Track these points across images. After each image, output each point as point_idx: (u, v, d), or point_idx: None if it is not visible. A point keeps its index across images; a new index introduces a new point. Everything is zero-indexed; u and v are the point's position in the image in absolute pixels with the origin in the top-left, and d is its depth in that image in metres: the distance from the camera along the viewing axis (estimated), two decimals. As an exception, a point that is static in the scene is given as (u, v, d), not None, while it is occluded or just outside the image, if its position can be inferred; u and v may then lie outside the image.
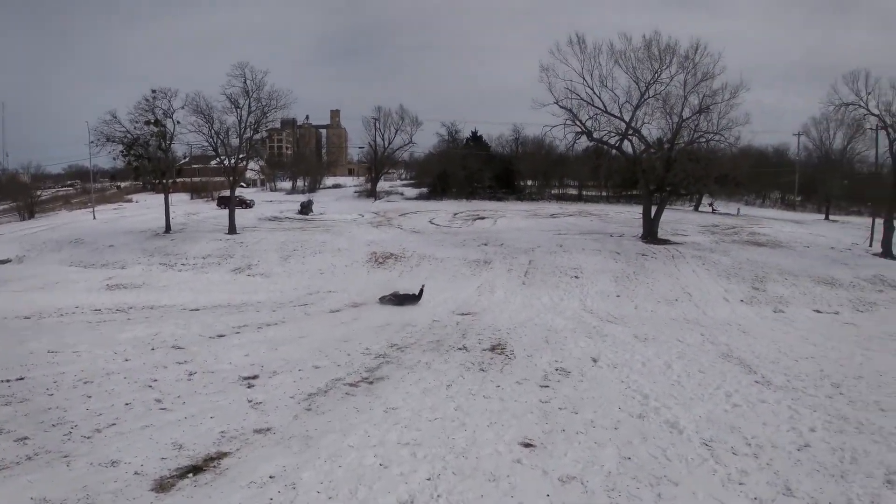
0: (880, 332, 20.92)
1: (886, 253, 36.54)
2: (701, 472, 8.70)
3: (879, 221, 39.67)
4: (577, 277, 29.49)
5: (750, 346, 17.70)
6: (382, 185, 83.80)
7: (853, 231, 47.71)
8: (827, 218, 63.19)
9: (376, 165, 79.93)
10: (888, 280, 29.71)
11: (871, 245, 39.95)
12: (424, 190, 78.67)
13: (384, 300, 24.11)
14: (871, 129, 43.59)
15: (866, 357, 16.68)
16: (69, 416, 9.95)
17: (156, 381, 12.30)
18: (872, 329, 21.47)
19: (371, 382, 12.86)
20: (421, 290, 24.73)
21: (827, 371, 14.73)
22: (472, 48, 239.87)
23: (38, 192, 74.41)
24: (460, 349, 16.34)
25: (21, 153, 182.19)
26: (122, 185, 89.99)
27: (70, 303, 22.52)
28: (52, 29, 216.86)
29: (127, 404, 10.70)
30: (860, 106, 38.81)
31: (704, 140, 39.78)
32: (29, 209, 63.01)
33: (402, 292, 24.75)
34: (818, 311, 24.81)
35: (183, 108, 42.15)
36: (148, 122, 42.34)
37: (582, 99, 40.02)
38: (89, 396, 11.10)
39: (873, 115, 38.80)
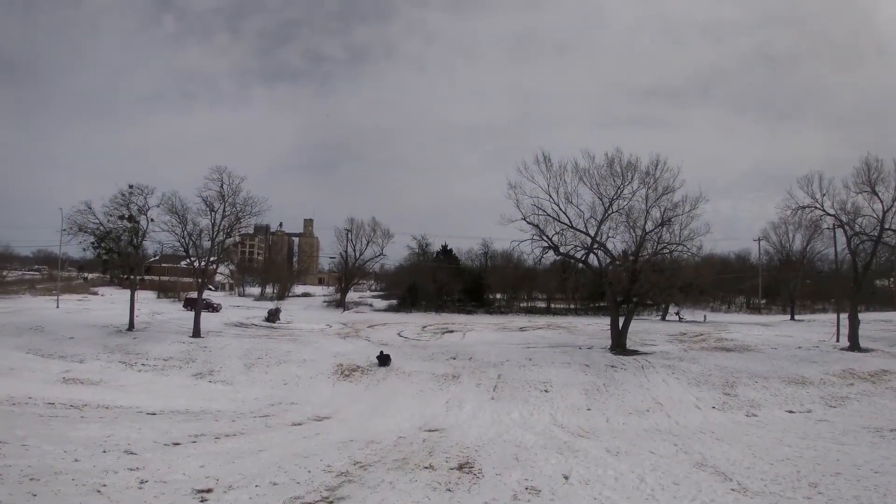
0: (854, 425, 21.00)
1: (854, 346, 37.09)
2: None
3: (844, 316, 40.32)
4: (546, 391, 29.07)
5: (724, 453, 17.42)
6: (352, 295, 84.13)
7: (819, 328, 48.49)
8: (792, 318, 64.40)
9: (346, 276, 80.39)
10: (858, 373, 30.06)
11: (837, 340, 40.54)
12: (394, 302, 79.17)
13: (379, 358, 35.00)
14: (828, 228, 45.37)
15: (842, 452, 16.64)
16: (12, 514, 9.26)
17: (105, 486, 11.60)
18: (846, 423, 21.60)
19: (331, 502, 12.20)
20: (388, 357, 35.15)
21: (804, 472, 14.56)
22: (444, 163, 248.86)
23: (4, 273, 73.10)
24: (426, 468, 15.69)
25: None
26: (90, 276, 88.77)
27: (24, 392, 21.86)
28: (33, 120, 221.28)
29: (74, 508, 10.02)
30: (816, 207, 40.60)
31: (668, 251, 41.15)
32: (-8, 289, 61.89)
33: (384, 354, 35.28)
34: (791, 412, 24.83)
35: (158, 206, 42.45)
36: (122, 217, 42.42)
37: (548, 215, 41.27)
38: (34, 495, 10.44)
39: (829, 214, 40.63)
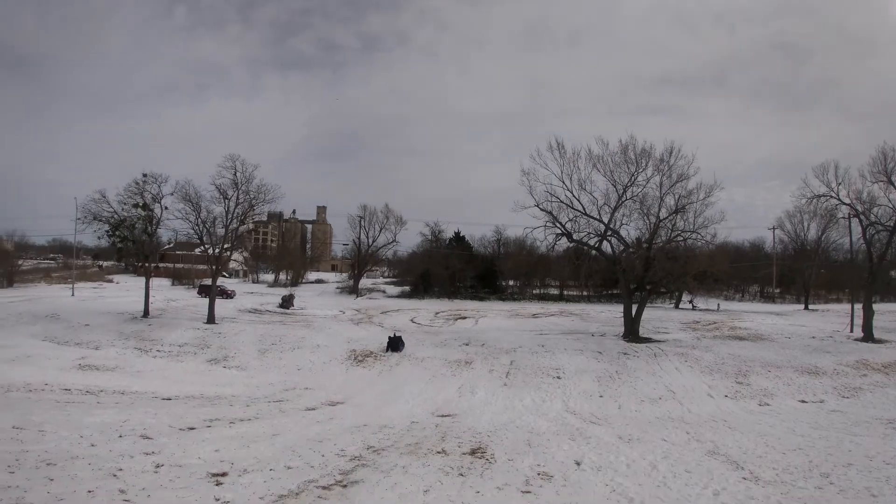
0: (867, 416, 20.86)
1: (868, 337, 36.86)
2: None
3: (858, 307, 40.05)
4: (559, 378, 29.09)
5: (737, 442, 17.33)
6: (365, 282, 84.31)
7: (833, 318, 48.11)
8: (806, 308, 64.00)
9: (359, 262, 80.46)
10: (871, 364, 29.84)
11: (851, 331, 40.26)
12: (407, 288, 79.30)
13: (390, 341, 34.99)
14: (843, 217, 44.96)
15: (854, 443, 16.52)
16: (28, 498, 9.37)
17: (121, 470, 11.66)
18: (859, 414, 21.44)
19: (345, 486, 12.21)
20: (398, 340, 35.09)
21: (816, 461, 14.47)
22: (455, 152, 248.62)
23: (20, 262, 73.99)
24: (439, 452, 15.75)
25: (6, 220, 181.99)
26: (104, 264, 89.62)
27: (40, 379, 22.02)
28: (47, 113, 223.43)
29: (89, 492, 10.10)
30: (832, 197, 40.29)
31: (682, 239, 40.78)
32: (8, 278, 62.76)
33: (395, 337, 35.40)
34: (803, 402, 24.65)
35: (172, 194, 42.77)
36: (136, 205, 42.81)
37: (562, 202, 41.04)
38: (51, 479, 10.49)
39: (845, 204, 40.34)
